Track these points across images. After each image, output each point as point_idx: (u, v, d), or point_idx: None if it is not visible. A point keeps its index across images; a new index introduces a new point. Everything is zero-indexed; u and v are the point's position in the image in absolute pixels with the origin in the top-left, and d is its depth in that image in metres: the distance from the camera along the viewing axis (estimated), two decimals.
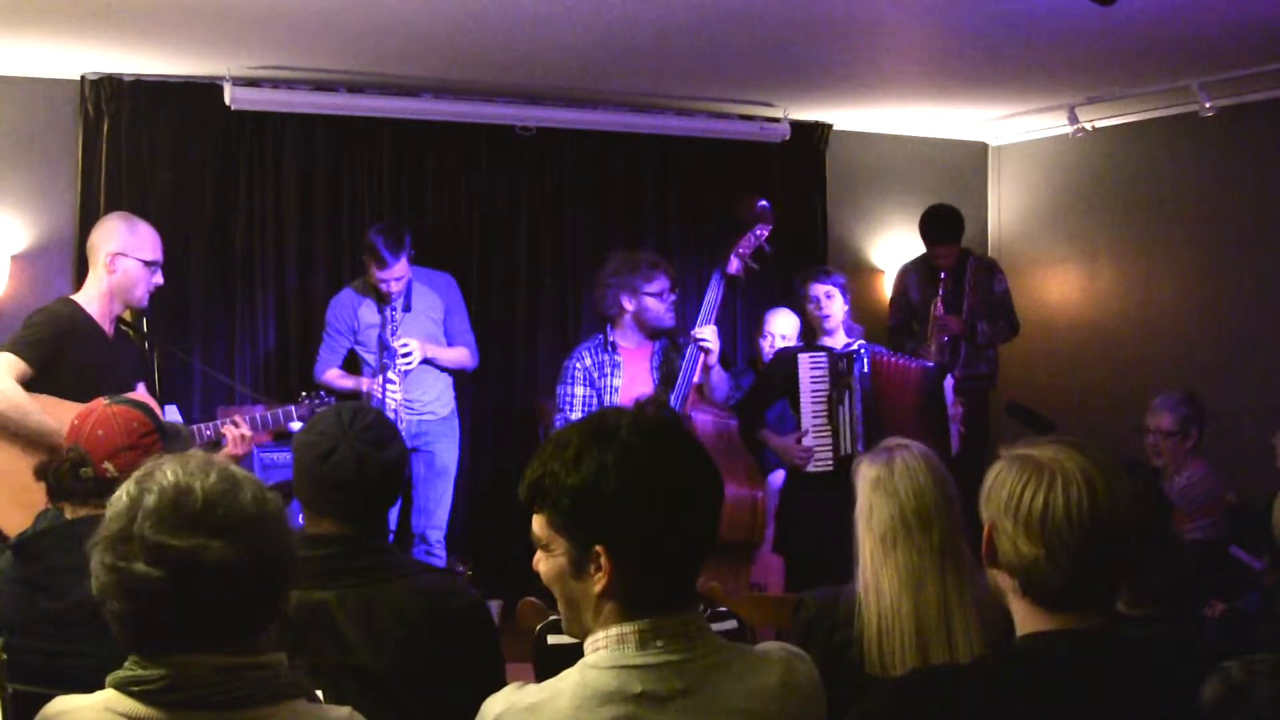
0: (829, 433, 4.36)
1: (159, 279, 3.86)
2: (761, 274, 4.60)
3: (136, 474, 1.52)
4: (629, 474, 1.45)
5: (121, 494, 1.50)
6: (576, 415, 4.31)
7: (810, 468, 4.37)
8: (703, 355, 4.25)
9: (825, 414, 4.36)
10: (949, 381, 4.48)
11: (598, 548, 1.47)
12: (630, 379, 4.37)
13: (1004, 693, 1.55)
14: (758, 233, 4.38)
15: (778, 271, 5.14)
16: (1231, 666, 1.58)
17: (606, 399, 4.33)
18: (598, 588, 1.48)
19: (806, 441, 4.34)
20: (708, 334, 4.25)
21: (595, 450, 1.47)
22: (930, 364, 4.55)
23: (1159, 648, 1.76)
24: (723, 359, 4.48)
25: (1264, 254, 5.36)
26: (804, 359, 4.42)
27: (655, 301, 4.32)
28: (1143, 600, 2.28)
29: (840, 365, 4.36)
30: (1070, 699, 1.53)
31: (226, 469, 1.53)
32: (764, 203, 4.41)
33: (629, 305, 4.34)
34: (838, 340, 4.46)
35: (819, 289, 4.44)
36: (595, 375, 4.36)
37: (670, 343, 4.45)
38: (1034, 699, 1.53)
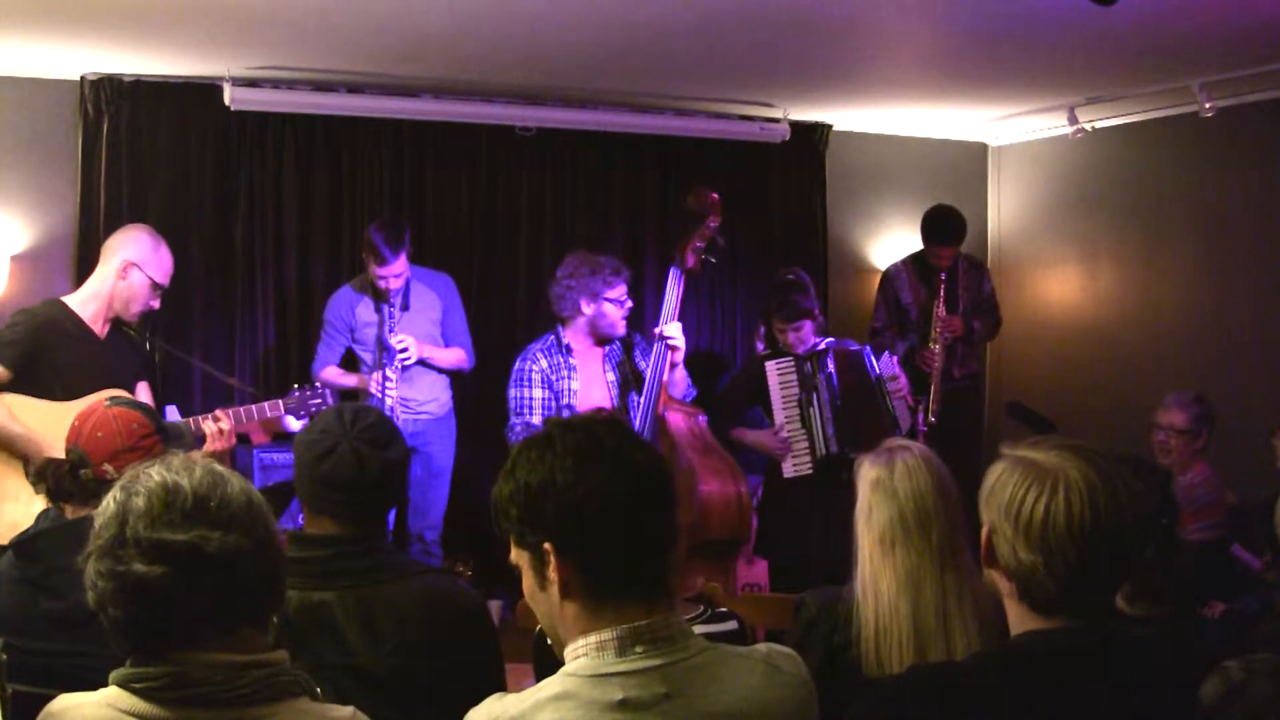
0: (804, 435, 4.38)
1: (156, 304, 3.88)
2: (761, 275, 4.59)
3: (120, 481, 1.52)
4: (553, 464, 1.47)
5: (108, 501, 1.50)
6: (537, 419, 4.27)
7: (789, 472, 4.38)
8: (669, 353, 4.22)
9: (798, 418, 4.38)
10: (887, 358, 4.50)
11: (545, 546, 1.48)
12: (587, 382, 4.33)
13: (1002, 690, 1.54)
14: (710, 225, 4.35)
15: (778, 270, 5.13)
16: (1231, 665, 1.58)
17: (564, 402, 4.29)
18: (556, 589, 1.48)
19: (782, 434, 4.37)
20: (674, 331, 4.20)
21: (526, 454, 1.50)
22: (854, 346, 4.56)
23: (1158, 647, 1.76)
24: (722, 360, 4.48)
25: (1264, 254, 5.36)
26: (771, 367, 4.44)
27: (613, 308, 4.28)
28: (1143, 600, 2.28)
29: (806, 368, 4.39)
30: (1068, 696, 1.53)
31: (209, 465, 1.54)
32: (714, 195, 4.37)
33: (587, 309, 4.29)
34: (805, 347, 4.49)
35: (789, 325, 4.45)
36: (553, 378, 4.31)
37: (622, 343, 4.41)
38: (1032, 696, 1.53)
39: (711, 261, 4.38)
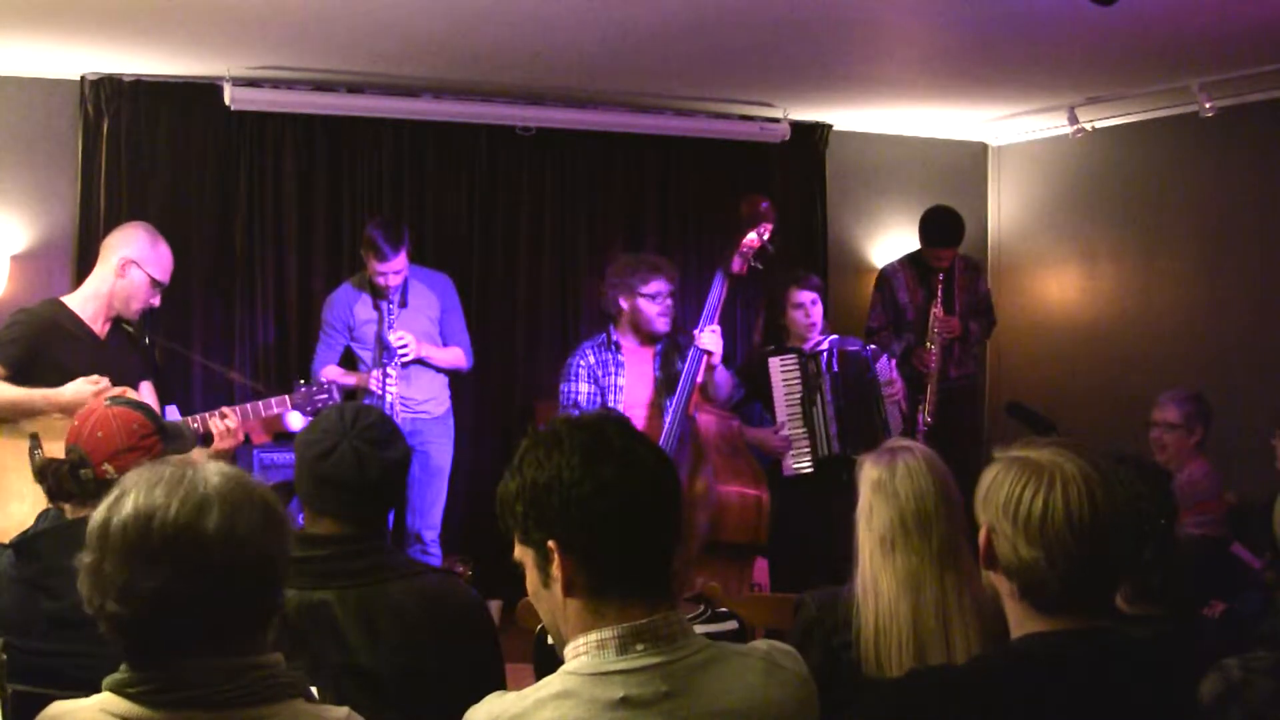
0: (806, 435, 4.38)
1: (156, 301, 3.87)
2: (760, 274, 4.60)
3: (108, 497, 1.49)
4: (560, 462, 1.47)
5: (94, 520, 1.48)
6: None
7: (789, 471, 4.38)
8: (705, 355, 4.25)
9: (800, 416, 4.39)
10: (885, 362, 4.50)
11: (549, 543, 1.48)
12: (634, 379, 4.36)
13: (1003, 692, 1.55)
14: (760, 231, 4.37)
15: (779, 272, 5.13)
16: (1230, 664, 1.58)
17: (610, 398, 4.32)
18: (559, 587, 1.48)
19: (783, 432, 4.37)
20: (709, 334, 4.24)
21: (534, 452, 1.50)
22: (854, 346, 4.56)
23: (1158, 647, 1.76)
24: (723, 359, 4.48)
25: (1264, 254, 5.36)
26: (774, 363, 4.44)
27: (649, 304, 4.30)
28: (1143, 600, 2.28)
29: (810, 367, 4.38)
30: (1069, 698, 1.53)
31: (195, 487, 1.47)
32: (765, 202, 4.40)
33: (625, 306, 4.34)
34: (810, 342, 4.48)
35: (806, 296, 4.46)
36: (599, 374, 4.35)
37: (671, 343, 4.44)
38: (1033, 698, 1.53)
39: (757, 268, 4.40)
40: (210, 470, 1.52)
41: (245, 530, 1.47)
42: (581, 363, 4.37)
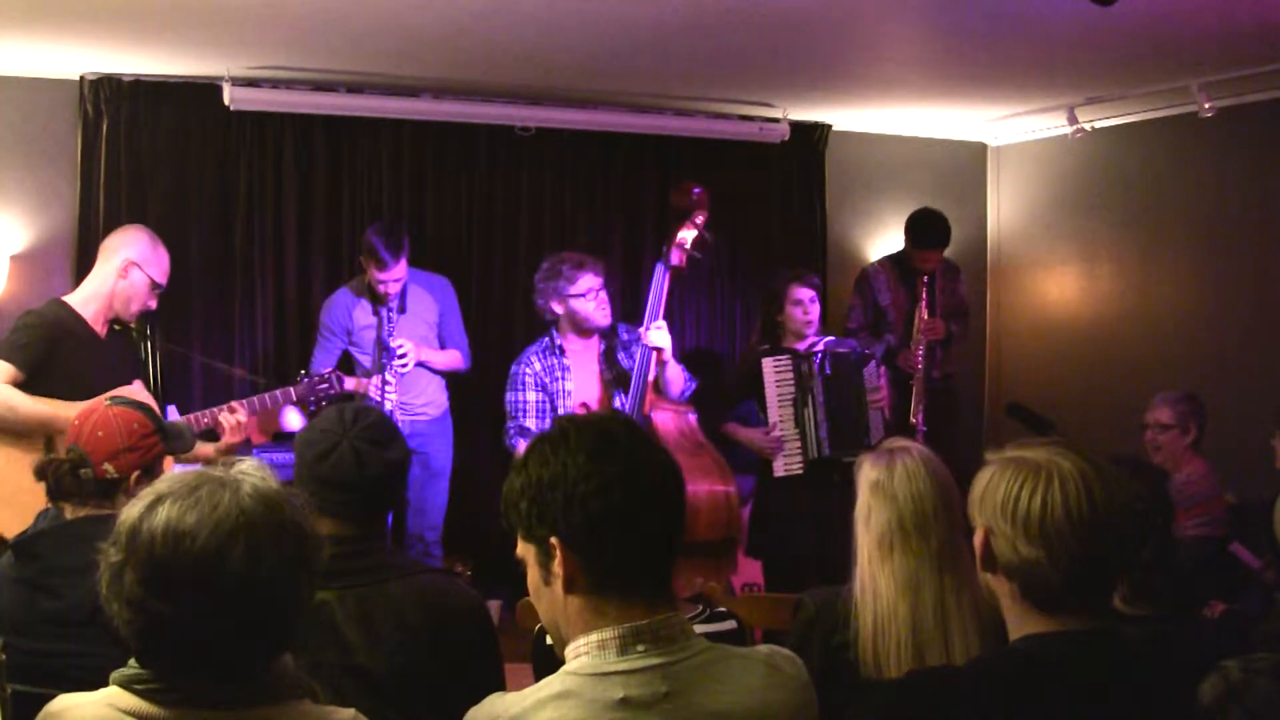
0: (797, 436, 4.36)
1: (154, 303, 3.89)
2: (760, 275, 4.59)
3: (146, 496, 1.47)
4: (565, 459, 1.48)
5: (126, 519, 1.46)
6: (531, 422, 4.29)
7: (780, 471, 4.37)
8: (655, 352, 4.21)
9: (792, 417, 4.36)
10: (872, 367, 4.49)
11: (551, 540, 1.48)
12: (581, 381, 4.34)
13: (1003, 694, 1.55)
14: (696, 220, 4.35)
15: (777, 271, 5.13)
16: (1230, 665, 1.58)
17: (559, 403, 4.29)
18: (560, 584, 1.49)
19: (775, 433, 4.35)
20: (656, 330, 4.21)
21: (539, 449, 1.51)
22: (845, 349, 4.54)
23: (1158, 648, 1.76)
24: (720, 358, 4.47)
25: (1263, 254, 5.36)
26: (768, 364, 4.41)
27: (583, 303, 4.28)
28: (1142, 600, 2.28)
29: (803, 368, 4.37)
30: (1069, 699, 1.53)
31: (229, 513, 1.43)
32: (698, 190, 4.37)
33: (559, 309, 4.31)
34: (805, 341, 4.47)
35: (805, 293, 4.44)
36: (546, 380, 4.32)
37: (617, 341, 4.40)
38: (1033, 700, 1.53)
39: (697, 257, 4.37)
40: (247, 486, 1.48)
41: (266, 573, 1.44)
42: (527, 370, 4.33)
